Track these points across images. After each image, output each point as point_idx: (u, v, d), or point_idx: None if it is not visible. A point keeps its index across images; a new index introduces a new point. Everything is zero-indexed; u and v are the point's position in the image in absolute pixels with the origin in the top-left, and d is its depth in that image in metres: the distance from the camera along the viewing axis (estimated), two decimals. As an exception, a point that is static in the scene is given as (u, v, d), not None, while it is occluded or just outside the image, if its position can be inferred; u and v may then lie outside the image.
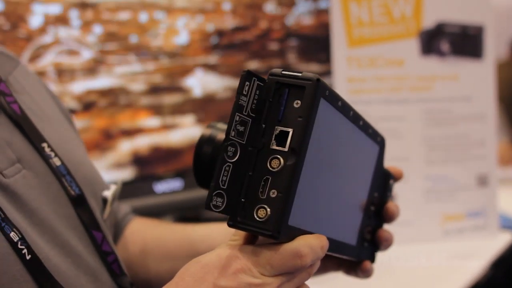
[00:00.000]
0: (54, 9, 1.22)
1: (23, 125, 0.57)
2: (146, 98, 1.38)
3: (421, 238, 1.24)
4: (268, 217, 0.44)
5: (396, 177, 0.67)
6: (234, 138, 0.45)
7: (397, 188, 0.74)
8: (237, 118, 0.45)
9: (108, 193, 0.65)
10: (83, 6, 1.28)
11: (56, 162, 0.59)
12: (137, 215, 0.83)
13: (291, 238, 0.46)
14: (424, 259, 1.18)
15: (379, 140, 0.61)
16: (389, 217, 0.64)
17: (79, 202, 0.58)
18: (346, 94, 1.22)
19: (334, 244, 0.52)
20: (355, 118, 0.53)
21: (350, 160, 0.55)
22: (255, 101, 0.46)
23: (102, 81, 1.31)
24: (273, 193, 0.44)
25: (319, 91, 0.46)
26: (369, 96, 1.23)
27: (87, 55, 1.28)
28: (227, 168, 0.45)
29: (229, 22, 1.56)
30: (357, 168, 0.58)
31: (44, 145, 0.58)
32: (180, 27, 1.48)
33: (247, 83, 0.45)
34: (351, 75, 1.23)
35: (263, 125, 0.46)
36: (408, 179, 1.18)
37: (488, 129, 1.27)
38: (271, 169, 0.45)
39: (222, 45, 1.55)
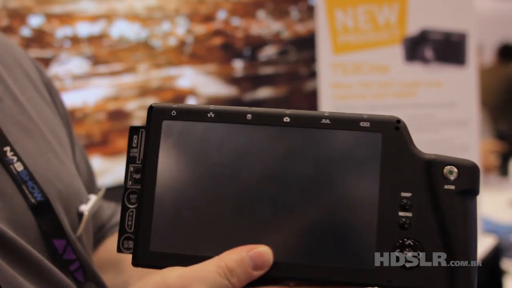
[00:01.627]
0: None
1: None
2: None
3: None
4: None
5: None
6: (132, 187, 0.49)
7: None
8: (131, 168, 0.49)
9: (85, 208, 0.62)
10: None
11: (18, 167, 0.57)
12: None
13: (168, 263, 0.47)
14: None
15: (369, 127, 0.47)
16: None
17: (40, 210, 0.56)
18: (331, 100, 1.24)
19: (288, 267, 0.47)
20: (275, 119, 0.48)
21: (278, 168, 0.48)
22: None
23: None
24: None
25: (155, 116, 0.49)
26: (354, 102, 1.25)
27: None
28: (131, 214, 0.49)
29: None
30: (316, 173, 0.48)
31: (7, 148, 0.56)
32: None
33: (134, 136, 0.50)
34: (336, 81, 1.24)
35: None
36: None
37: (471, 134, 1.29)
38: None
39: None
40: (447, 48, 1.27)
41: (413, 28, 1.26)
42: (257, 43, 1.74)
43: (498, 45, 4.30)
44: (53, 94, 0.70)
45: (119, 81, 1.52)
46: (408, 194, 0.46)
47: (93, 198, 0.65)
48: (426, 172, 0.46)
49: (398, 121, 0.47)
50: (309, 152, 0.48)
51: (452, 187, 0.46)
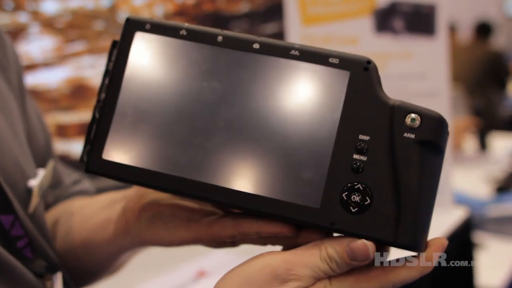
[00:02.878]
0: None
1: None
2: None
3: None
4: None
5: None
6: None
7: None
8: (106, 81, 0.49)
9: (34, 183, 0.59)
10: None
11: None
12: (89, 194, 0.75)
13: (118, 173, 0.48)
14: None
15: (338, 64, 0.45)
16: None
17: None
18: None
19: (230, 194, 0.46)
20: (244, 44, 0.47)
21: (240, 93, 0.47)
22: None
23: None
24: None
25: (130, 27, 0.49)
26: (323, 74, 1.23)
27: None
28: None
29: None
30: (276, 103, 0.46)
31: None
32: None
33: (114, 50, 0.50)
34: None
35: None
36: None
37: (442, 106, 1.28)
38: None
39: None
40: (417, 20, 1.26)
41: (382, 0, 1.25)
42: (228, 17, 1.72)
43: (475, 23, 4.31)
44: (6, 59, 0.66)
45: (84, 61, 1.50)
46: (366, 138, 0.44)
47: (41, 172, 0.62)
48: (388, 118, 0.44)
49: (369, 62, 0.45)
50: (273, 81, 0.46)
51: (412, 135, 0.43)
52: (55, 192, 0.73)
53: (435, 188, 0.44)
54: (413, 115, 0.44)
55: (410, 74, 1.26)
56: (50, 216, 0.69)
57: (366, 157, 0.44)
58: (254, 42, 0.47)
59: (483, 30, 4.15)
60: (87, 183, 0.78)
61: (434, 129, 0.44)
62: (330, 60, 0.45)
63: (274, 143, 0.45)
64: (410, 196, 0.43)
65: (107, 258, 0.63)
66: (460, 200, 1.54)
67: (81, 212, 0.65)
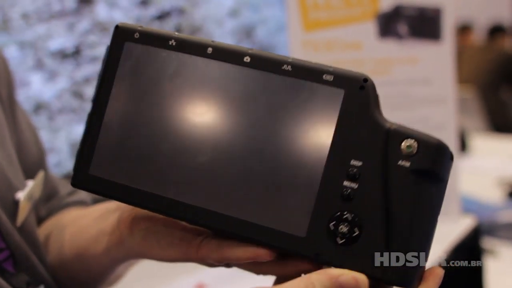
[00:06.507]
0: None
1: None
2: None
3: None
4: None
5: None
6: None
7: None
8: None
9: (21, 195, 0.58)
10: None
11: None
12: (85, 205, 0.74)
13: (103, 189, 0.46)
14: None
15: (332, 81, 0.42)
16: None
17: None
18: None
19: (213, 216, 0.43)
20: (235, 57, 0.45)
21: (228, 110, 0.44)
22: None
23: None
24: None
25: (119, 36, 0.47)
26: (325, 80, 1.21)
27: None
28: None
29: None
30: (265, 121, 0.43)
31: None
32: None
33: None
34: (307, 60, 1.21)
35: None
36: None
37: (448, 112, 1.25)
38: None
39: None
40: (421, 24, 1.23)
41: (386, 4, 1.22)
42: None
43: (489, 25, 4.27)
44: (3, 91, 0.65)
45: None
46: (358, 163, 0.41)
47: (30, 183, 0.61)
48: (383, 142, 0.41)
49: (366, 79, 0.42)
50: (263, 98, 0.43)
51: (407, 164, 0.40)
52: (50, 203, 0.72)
53: (432, 219, 0.41)
54: (409, 141, 0.40)
55: (415, 79, 1.24)
56: (43, 228, 0.68)
57: (357, 184, 0.41)
58: (245, 55, 0.44)
59: (497, 32, 4.12)
60: (83, 193, 0.77)
61: (431, 157, 0.40)
62: (324, 77, 0.42)
63: (260, 165, 0.43)
64: (401, 229, 0.40)
65: (102, 271, 0.62)
66: (469, 205, 1.51)
67: (75, 223, 0.64)
